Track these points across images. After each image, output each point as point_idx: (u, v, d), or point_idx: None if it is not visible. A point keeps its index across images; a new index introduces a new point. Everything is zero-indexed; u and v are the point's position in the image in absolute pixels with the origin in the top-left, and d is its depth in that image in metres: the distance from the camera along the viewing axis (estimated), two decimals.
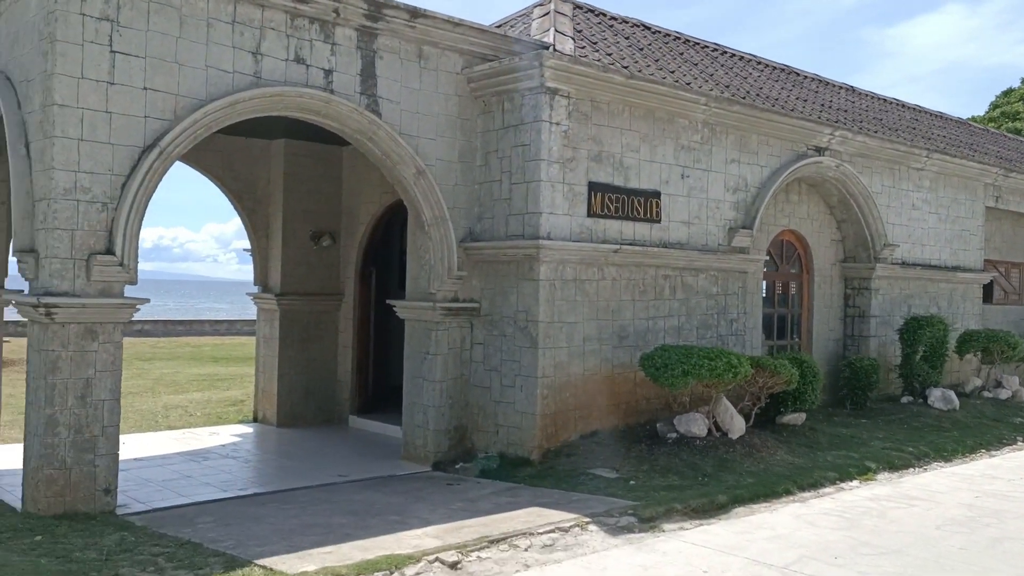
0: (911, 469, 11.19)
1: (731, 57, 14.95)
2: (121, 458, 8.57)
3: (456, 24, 10.45)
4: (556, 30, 11.22)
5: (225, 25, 8.96)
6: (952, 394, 14.74)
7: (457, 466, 10.54)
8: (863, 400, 14.17)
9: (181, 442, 12.12)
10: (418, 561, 6.84)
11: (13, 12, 8.79)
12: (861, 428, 12.87)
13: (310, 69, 9.56)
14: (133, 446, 11.31)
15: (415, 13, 10.07)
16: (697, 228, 12.14)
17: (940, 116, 20.07)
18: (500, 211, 10.76)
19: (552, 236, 10.39)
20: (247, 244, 14.13)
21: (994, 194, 18.04)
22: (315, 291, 13.84)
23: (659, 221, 11.62)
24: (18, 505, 8.28)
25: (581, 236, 10.73)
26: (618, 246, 10.98)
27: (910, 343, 14.85)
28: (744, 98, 12.82)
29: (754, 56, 15.79)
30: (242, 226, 14.01)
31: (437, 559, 6.90)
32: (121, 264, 8.26)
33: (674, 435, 10.72)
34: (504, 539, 7.48)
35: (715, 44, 15.07)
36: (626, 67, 11.23)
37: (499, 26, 12.24)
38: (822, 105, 15.13)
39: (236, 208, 13.72)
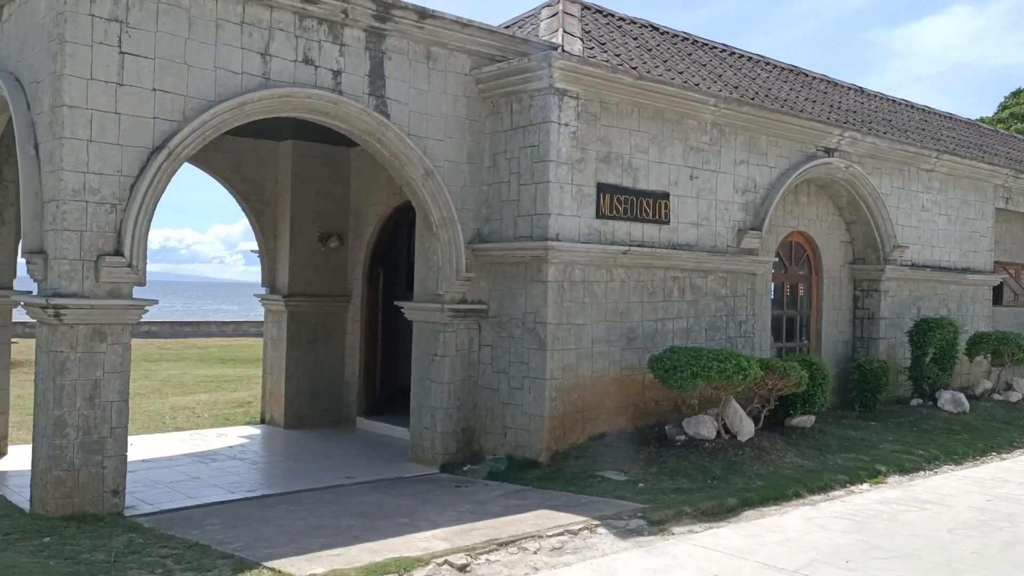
0: (921, 472, 11.13)
1: (739, 58, 14.90)
2: (129, 459, 8.57)
3: (465, 25, 10.43)
4: (564, 31, 11.20)
5: (234, 26, 8.96)
6: (962, 396, 14.66)
7: (465, 468, 10.51)
8: (872, 402, 14.10)
9: (188, 443, 12.12)
10: (427, 564, 6.81)
11: (22, 14, 8.79)
12: (871, 431, 12.81)
13: (319, 70, 9.55)
14: (141, 447, 11.31)
15: (424, 14, 10.05)
16: (706, 229, 12.09)
17: (949, 117, 19.99)
18: (508, 212, 10.73)
19: (561, 237, 10.36)
20: (254, 246, 14.13)
21: (1004, 195, 17.97)
22: (323, 292, 13.83)
23: (668, 222, 11.58)
24: (26, 506, 8.28)
25: (590, 237, 10.69)
26: (627, 247, 10.95)
27: (920, 345, 14.78)
28: (753, 99, 12.77)
29: (762, 57, 15.73)
30: (249, 228, 14.02)
31: (446, 562, 6.87)
32: (130, 265, 8.25)
33: (683, 437, 10.68)
34: (513, 542, 7.45)
35: (723, 45, 15.03)
36: (635, 68, 11.19)
37: (507, 27, 12.22)
38: (831, 106, 15.07)
39: (244, 209, 13.72)
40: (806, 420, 12.13)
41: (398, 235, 14.22)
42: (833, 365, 14.15)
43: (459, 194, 10.74)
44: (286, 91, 9.24)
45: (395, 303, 11.98)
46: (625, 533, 7.89)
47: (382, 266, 14.12)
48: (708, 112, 11.94)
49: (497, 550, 7.26)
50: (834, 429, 12.46)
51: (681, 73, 12.14)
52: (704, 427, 10.69)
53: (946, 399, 14.53)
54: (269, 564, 6.73)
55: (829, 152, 13.84)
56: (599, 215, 10.77)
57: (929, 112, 19.23)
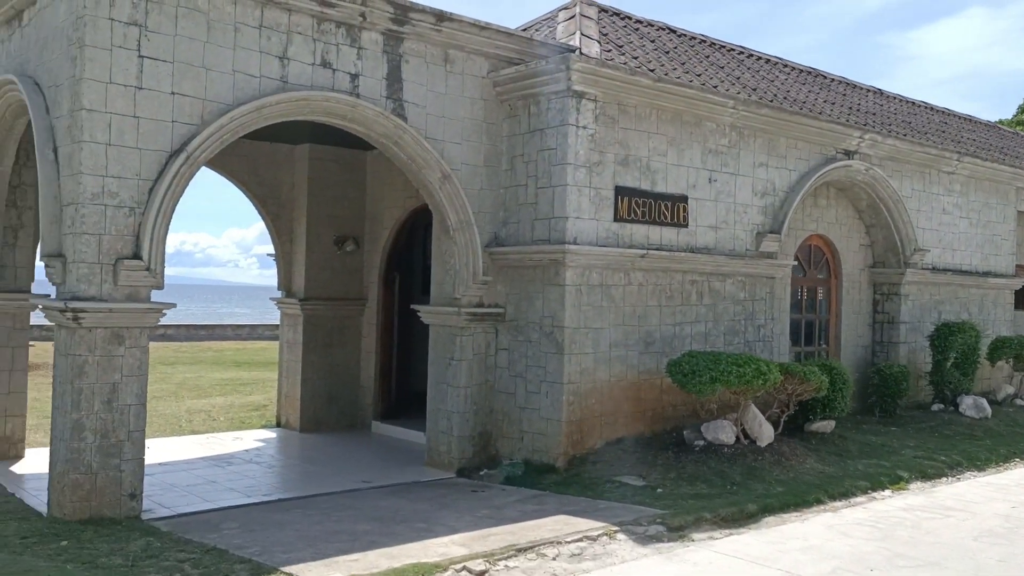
0: (944, 478, 10.98)
1: (757, 60, 14.80)
2: (146, 463, 8.56)
3: (482, 28, 10.39)
4: (582, 33, 11.14)
5: (252, 30, 8.95)
6: (984, 402, 14.48)
7: (481, 473, 10.45)
8: (893, 408, 13.95)
9: (205, 447, 12.11)
10: (446, 569, 6.76)
11: (42, 18, 8.82)
12: (891, 436, 12.66)
13: (336, 73, 9.53)
14: (157, 450, 11.32)
15: (441, 17, 10.02)
16: (724, 233, 12.00)
17: (969, 119, 19.79)
18: (526, 215, 10.68)
19: (578, 241, 10.29)
20: (269, 249, 14.15)
21: None
22: (339, 296, 13.82)
23: (686, 225, 11.49)
24: (44, 510, 8.28)
25: (607, 241, 10.62)
26: (645, 251, 10.87)
27: (941, 350, 14.60)
28: (772, 101, 12.67)
29: (780, 59, 15.62)
30: (263, 231, 14.04)
31: (465, 567, 6.81)
32: (148, 269, 8.25)
33: (701, 442, 10.58)
34: (532, 548, 7.39)
35: (741, 47, 14.93)
36: (653, 70, 11.12)
37: (524, 30, 12.18)
38: (850, 108, 14.94)
39: (260, 213, 13.73)
40: (826, 425, 12.00)
41: (414, 238, 14.19)
42: (853, 370, 13.99)
43: (476, 197, 10.70)
44: (304, 94, 9.22)
45: (411, 307, 11.95)
46: (644, 539, 7.80)
47: (398, 269, 14.10)
48: (727, 114, 11.84)
49: (516, 556, 7.19)
50: (854, 434, 12.33)
51: (699, 75, 12.06)
52: (723, 432, 10.58)
53: (968, 404, 14.35)
54: (287, 569, 6.69)
55: (849, 154, 13.72)
56: (617, 218, 10.70)
57: (949, 114, 19.04)
